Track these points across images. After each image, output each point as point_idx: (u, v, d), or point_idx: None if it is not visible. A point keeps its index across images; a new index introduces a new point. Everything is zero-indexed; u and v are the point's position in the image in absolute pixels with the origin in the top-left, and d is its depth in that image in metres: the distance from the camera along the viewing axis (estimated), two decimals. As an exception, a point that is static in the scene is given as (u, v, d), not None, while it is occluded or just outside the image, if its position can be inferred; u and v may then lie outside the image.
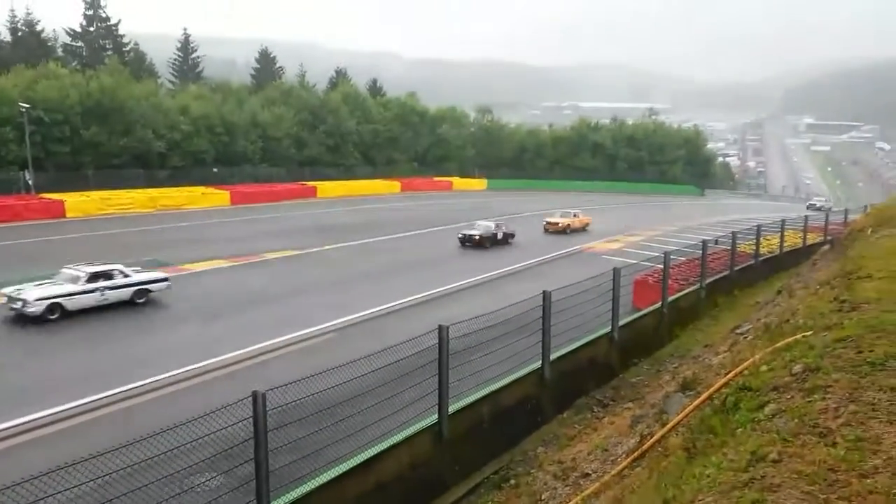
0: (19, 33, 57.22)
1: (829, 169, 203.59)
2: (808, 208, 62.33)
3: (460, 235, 31.88)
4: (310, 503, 8.05)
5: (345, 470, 8.49)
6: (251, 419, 7.22)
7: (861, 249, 12.52)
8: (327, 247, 30.27)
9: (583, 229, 38.13)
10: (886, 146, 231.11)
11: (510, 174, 78.46)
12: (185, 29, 72.58)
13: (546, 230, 37.34)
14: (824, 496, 3.98)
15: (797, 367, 6.00)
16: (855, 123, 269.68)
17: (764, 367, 6.54)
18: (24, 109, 40.95)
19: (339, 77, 77.88)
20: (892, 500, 3.83)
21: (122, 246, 29.42)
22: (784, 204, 76.87)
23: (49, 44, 59.25)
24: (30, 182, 42.00)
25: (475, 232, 31.53)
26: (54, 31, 61.29)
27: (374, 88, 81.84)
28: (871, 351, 5.89)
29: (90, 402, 12.25)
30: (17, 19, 57.08)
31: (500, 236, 32.29)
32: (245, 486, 7.47)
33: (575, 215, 38.59)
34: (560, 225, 37.32)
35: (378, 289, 22.39)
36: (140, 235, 33.03)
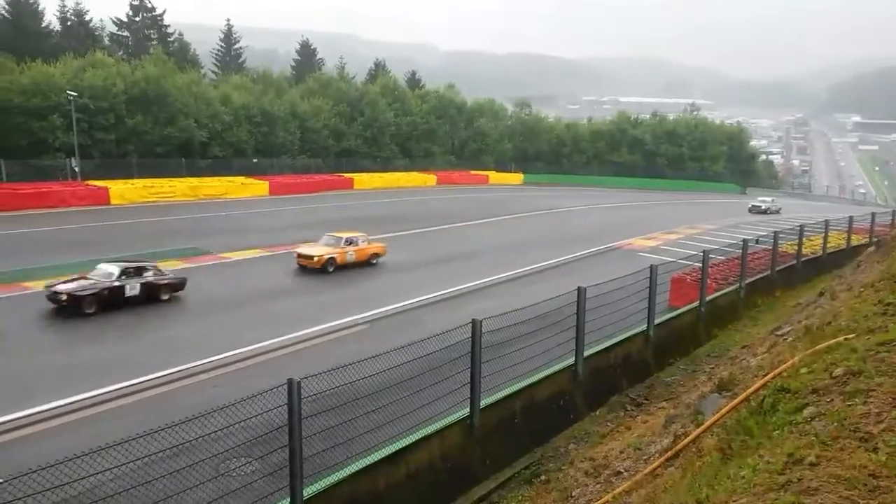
0: (68, 23, 58.69)
1: (877, 169, 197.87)
2: (750, 211, 51.59)
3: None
4: (342, 491, 8.16)
5: (377, 459, 8.59)
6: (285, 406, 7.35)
7: (909, 252, 12.16)
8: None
9: (367, 262, 24.91)
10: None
11: (547, 168, 77.94)
12: (228, 20, 73.80)
13: (299, 264, 23.93)
14: (864, 502, 3.90)
15: (838, 370, 5.87)
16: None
17: (804, 370, 6.41)
18: (71, 97, 42.04)
19: (378, 69, 78.16)
20: (934, 508, 3.73)
21: (163, 233, 30.09)
22: (828, 204, 74.94)
23: (96, 33, 60.69)
24: (76, 169, 43.14)
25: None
26: (101, 20, 62.78)
27: (413, 80, 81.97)
28: (916, 356, 5.73)
29: (132, 383, 12.62)
30: (66, 9, 58.63)
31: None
32: (279, 472, 7.61)
33: (350, 242, 24.48)
34: (316, 259, 23.36)
35: (409, 280, 22.47)
36: (181, 223, 33.70)
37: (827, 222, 25.73)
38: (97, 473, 5.87)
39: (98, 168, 44.46)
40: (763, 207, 52.00)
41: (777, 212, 51.33)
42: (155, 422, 7.05)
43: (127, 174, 45.14)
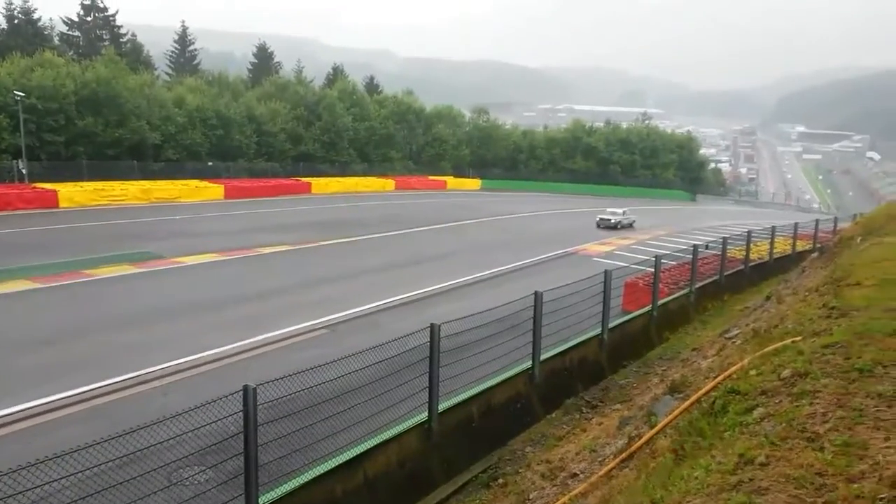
0: (16, 21, 56.76)
1: (820, 177, 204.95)
2: (598, 225, 42.40)
3: None
4: (298, 498, 8.07)
5: (334, 466, 8.52)
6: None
7: (850, 257, 12.63)
8: (321, 242, 30.25)
9: None
10: (877, 156, 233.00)
11: (504, 175, 78.61)
12: (182, 21, 72.43)
13: None
14: (811, 500, 4.03)
15: (786, 372, 6.07)
16: (846, 133, 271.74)
17: (753, 372, 6.60)
18: (18, 98, 40.67)
19: (337, 73, 77.72)
20: (877, 504, 3.88)
21: (114, 237, 29.32)
22: (773, 211, 77.35)
23: (45, 33, 58.80)
24: (23, 171, 41.74)
25: None
26: (51, 20, 60.91)
27: (371, 85, 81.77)
28: (859, 357, 5.95)
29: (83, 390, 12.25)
30: (13, 7, 56.65)
31: None
32: (234, 480, 7.48)
33: None
34: None
35: (365, 285, 22.37)
36: (133, 227, 32.88)
37: (773, 229, 26.55)
38: (44, 484, 5.68)
39: (46, 170, 43.08)
40: (613, 221, 42.66)
41: (631, 224, 43.89)
42: (106, 430, 6.86)
43: (77, 177, 43.86)
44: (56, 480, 5.78)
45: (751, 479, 4.40)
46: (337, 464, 8.54)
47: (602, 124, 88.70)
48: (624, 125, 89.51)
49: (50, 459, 5.68)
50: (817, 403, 5.25)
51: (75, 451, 5.85)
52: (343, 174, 63.84)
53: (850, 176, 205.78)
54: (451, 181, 72.24)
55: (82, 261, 23.37)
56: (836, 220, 33.48)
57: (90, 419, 11.18)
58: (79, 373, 13.03)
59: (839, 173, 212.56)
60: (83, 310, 18.12)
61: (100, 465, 6.11)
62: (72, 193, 39.59)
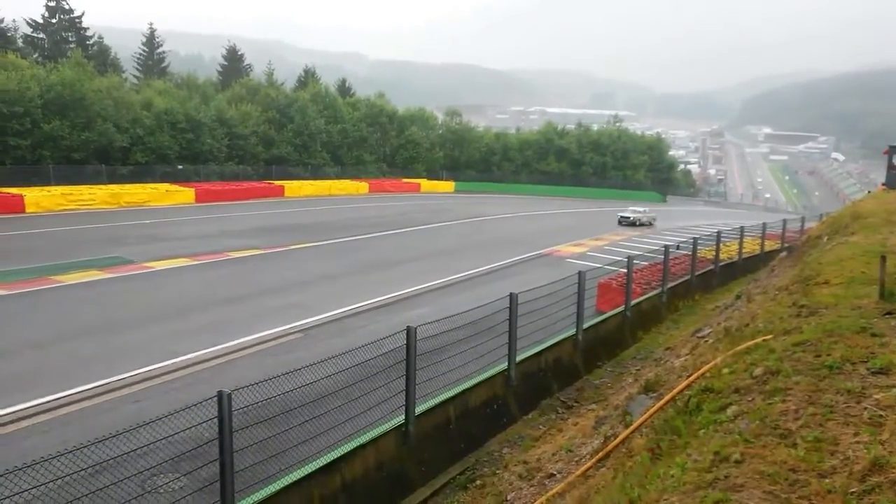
0: (-24, 22, 55.51)
1: (787, 178, 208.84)
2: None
3: None
4: (275, 504, 8.00)
5: (310, 471, 8.46)
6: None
7: (818, 256, 12.89)
8: (294, 246, 30.02)
9: None
10: (841, 157, 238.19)
11: (478, 176, 78.85)
12: (150, 24, 71.34)
13: None
14: (785, 496, 4.10)
15: (758, 370, 6.17)
16: (811, 134, 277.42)
17: (725, 370, 6.71)
18: (-21, 101, 39.75)
19: (308, 76, 77.24)
20: (848, 499, 3.96)
21: (83, 242, 28.79)
22: (742, 211, 78.75)
23: (9, 34, 57.44)
24: (-14, 176, 40.77)
25: None
26: (14, 21, 59.53)
27: (343, 88, 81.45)
28: (828, 354, 6.08)
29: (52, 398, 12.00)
30: (-26, 8, 55.35)
31: None
32: (209, 486, 7.39)
33: None
34: None
35: (337, 289, 22.25)
36: (102, 232, 32.30)
37: (742, 229, 27.02)
38: (13, 496, 5.55)
39: (11, 175, 42.06)
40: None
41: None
42: (74, 441, 6.73)
43: (43, 181, 42.91)
44: (24, 492, 5.66)
45: (726, 477, 4.47)
46: (314, 469, 8.49)
47: (573, 126, 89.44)
48: (595, 127, 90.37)
49: (18, 470, 5.56)
50: (789, 400, 5.35)
51: (44, 461, 5.73)
52: (316, 177, 63.41)
53: (815, 176, 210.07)
54: (424, 183, 72.22)
55: (50, 266, 22.92)
56: (803, 220, 34.16)
57: (58, 428, 10.95)
58: (45, 381, 12.77)
59: (805, 174, 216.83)
60: (51, 316, 17.76)
61: (70, 474, 5.99)
62: (38, 198, 38.77)
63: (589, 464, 7.71)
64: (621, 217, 46.83)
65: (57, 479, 5.90)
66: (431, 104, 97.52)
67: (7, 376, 13.10)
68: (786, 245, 25.77)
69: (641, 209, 48.54)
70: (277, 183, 56.78)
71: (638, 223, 45.75)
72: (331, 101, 69.75)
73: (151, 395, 12.54)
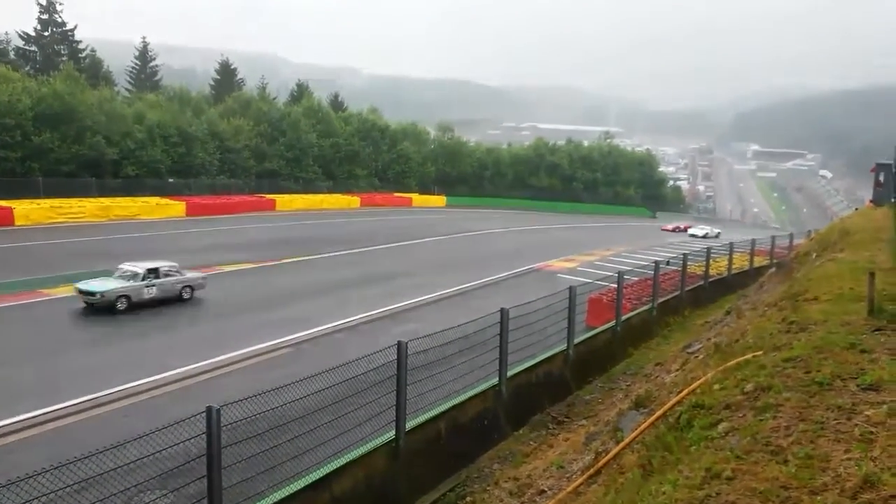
0: (-32, 35, 55.40)
1: (775, 195, 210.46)
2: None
3: None
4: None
5: (299, 487, 8.38)
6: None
7: (807, 273, 12.97)
8: (284, 260, 29.94)
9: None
10: (829, 174, 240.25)
11: (470, 191, 79.06)
12: (143, 37, 71.43)
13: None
14: (776, 512, 4.10)
15: (749, 386, 6.18)
16: (799, 151, 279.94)
17: (716, 386, 6.71)
18: (-30, 113, 39.58)
19: (301, 90, 77.40)
20: (839, 515, 3.96)
21: (73, 256, 28.59)
22: (732, 229, 79.14)
23: (1, 47, 57.43)
24: (-25, 189, 40.50)
25: None
26: (6, 34, 59.40)
27: (336, 102, 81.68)
28: (818, 371, 6.09)
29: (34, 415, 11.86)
30: (-35, 21, 55.30)
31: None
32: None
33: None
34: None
35: (329, 303, 22.18)
36: (92, 245, 32.14)
37: (731, 245, 27.15)
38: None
39: (1, 187, 41.85)
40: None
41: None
42: (60, 457, 6.64)
43: (33, 194, 42.68)
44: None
45: (718, 494, 4.46)
46: (303, 485, 8.40)
47: (564, 142, 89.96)
48: (586, 143, 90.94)
49: (2, 487, 5.48)
50: (780, 417, 5.35)
51: (29, 478, 5.65)
52: (308, 191, 63.39)
53: (803, 193, 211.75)
54: (416, 198, 72.30)
55: (39, 280, 22.74)
56: (791, 237, 34.38)
57: (44, 444, 10.82)
58: (33, 396, 12.62)
59: (793, 190, 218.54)
60: (38, 330, 17.60)
61: (55, 491, 5.91)
62: (28, 211, 38.56)
63: (580, 480, 7.67)
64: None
65: (42, 496, 5.82)
66: (424, 119, 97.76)
67: (-8, 391, 12.95)
68: (775, 261, 25.91)
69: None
70: (269, 197, 56.71)
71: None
72: (323, 116, 69.90)
73: (140, 409, 12.42)
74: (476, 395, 11.85)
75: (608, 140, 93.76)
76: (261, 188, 59.55)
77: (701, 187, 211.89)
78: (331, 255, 32.59)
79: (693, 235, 57.46)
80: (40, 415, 11.93)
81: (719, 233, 59.83)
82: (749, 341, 8.57)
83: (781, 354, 6.86)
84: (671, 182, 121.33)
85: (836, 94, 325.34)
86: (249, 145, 60.85)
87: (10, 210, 37.79)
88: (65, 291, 21.25)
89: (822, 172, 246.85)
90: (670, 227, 60.19)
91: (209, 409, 7.09)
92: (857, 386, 5.68)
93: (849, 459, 4.52)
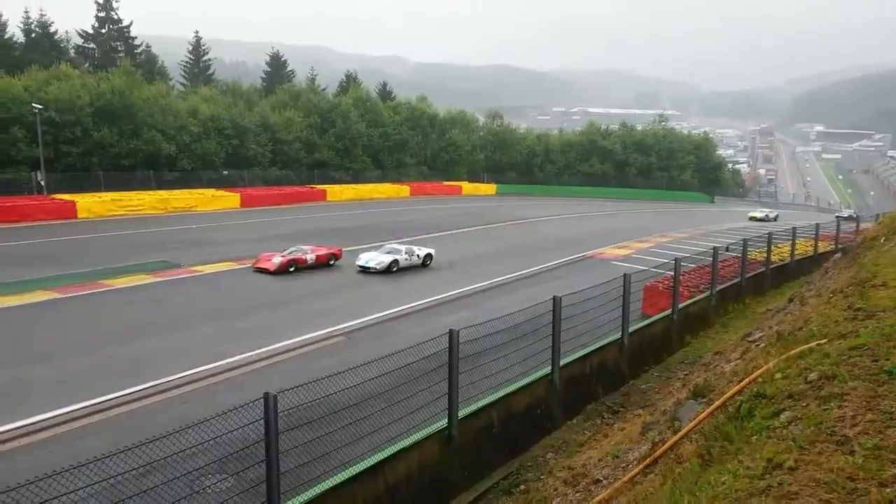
0: (33, 35, 57.56)
1: (840, 178, 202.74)
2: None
3: None
4: (320, 505, 8.06)
5: (355, 473, 8.50)
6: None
7: (874, 258, 12.44)
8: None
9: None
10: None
11: (520, 179, 78.50)
12: (196, 32, 73.05)
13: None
14: (843, 505, 3.94)
15: (812, 375, 5.95)
16: (866, 132, 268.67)
17: (778, 375, 6.49)
18: (35, 110, 41.23)
19: (350, 81, 78.05)
20: (910, 509, 3.79)
21: (132, 247, 29.58)
22: (794, 212, 76.59)
23: (61, 45, 59.56)
24: (41, 182, 42.28)
25: None
26: (66, 32, 61.68)
27: (384, 92, 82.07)
28: (887, 359, 5.83)
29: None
30: (30, 21, 57.46)
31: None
32: (256, 487, 7.48)
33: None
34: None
35: (380, 292, 22.38)
36: (151, 236, 33.18)
37: (794, 230, 26.27)
38: (68, 493, 5.70)
39: (64, 181, 43.60)
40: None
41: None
42: (125, 441, 6.89)
43: (94, 187, 44.36)
44: (79, 489, 5.80)
45: (780, 484, 4.32)
46: (358, 471, 8.52)
47: (617, 126, 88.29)
48: (639, 127, 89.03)
49: (73, 469, 5.70)
50: (846, 406, 5.14)
51: (96, 461, 5.86)
52: (357, 181, 64.08)
53: (870, 175, 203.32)
54: (466, 186, 72.24)
55: (100, 271, 23.61)
56: (857, 220, 33.04)
57: (109, 429, 11.24)
58: (97, 382, 13.12)
59: (859, 173, 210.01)
60: (101, 320, 18.28)
61: (121, 474, 6.13)
62: (90, 204, 40.04)
63: (636, 470, 7.56)
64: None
65: (108, 479, 6.04)
66: (472, 106, 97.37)
67: (57, 378, 13.51)
68: (840, 246, 24.96)
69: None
70: (320, 187, 57.54)
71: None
72: (372, 105, 70.37)
73: (199, 396, 12.79)
74: (528, 385, 11.81)
75: (662, 123, 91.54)
76: (311, 179, 60.48)
77: (762, 171, 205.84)
78: (382, 243, 32.85)
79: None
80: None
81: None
82: (813, 329, 8.27)
83: (847, 342, 6.59)
84: (730, 166, 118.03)
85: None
86: (300, 137, 61.77)
87: (73, 203, 39.32)
88: (126, 282, 22.03)
89: (891, 153, 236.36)
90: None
91: (266, 396, 7.21)
92: (930, 375, 5.41)
93: (920, 451, 4.32)
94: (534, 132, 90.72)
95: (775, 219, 58.14)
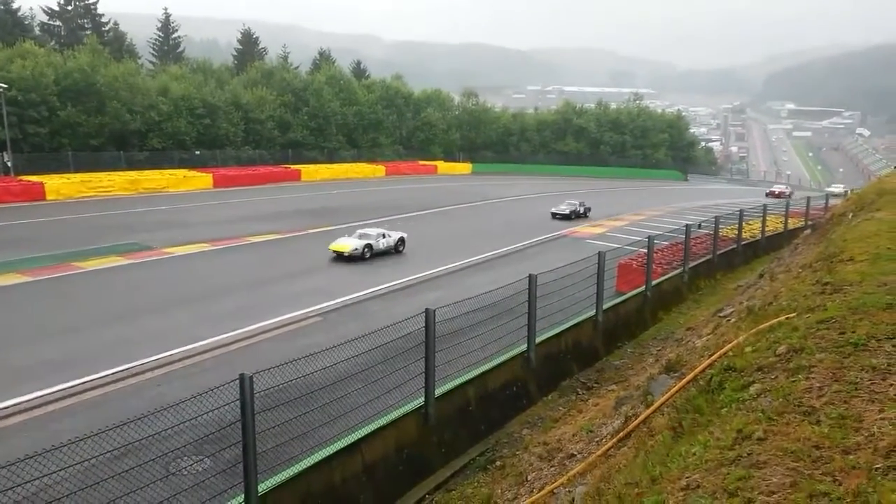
0: (-6, 12, 55.98)
1: (811, 154, 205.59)
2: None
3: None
4: (298, 485, 8.08)
5: (332, 452, 8.53)
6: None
7: (843, 233, 12.67)
8: (312, 230, 30.13)
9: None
10: (866, 132, 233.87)
11: (495, 158, 78.47)
12: (165, 9, 71.38)
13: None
14: (809, 472, 4.05)
15: (781, 348, 6.08)
16: (836, 110, 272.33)
17: (748, 349, 6.62)
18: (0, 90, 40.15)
19: (323, 59, 77.05)
20: (873, 475, 3.90)
21: (102, 228, 29.14)
22: (766, 189, 77.53)
23: (25, 22, 57.94)
24: (8, 164, 41.32)
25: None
26: (31, 10, 60.02)
27: (358, 70, 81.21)
28: (853, 332, 5.97)
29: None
30: (-8, -2, 55.84)
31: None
32: (233, 468, 7.48)
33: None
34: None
35: (356, 273, 22.33)
36: (121, 218, 32.66)
37: (765, 207, 26.63)
38: (42, 477, 5.65)
39: (32, 162, 42.65)
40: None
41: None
42: (99, 424, 6.83)
43: (62, 168, 43.47)
44: (52, 473, 5.75)
45: (749, 454, 4.43)
46: (335, 450, 8.55)
47: (592, 105, 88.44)
48: (613, 105, 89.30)
49: (46, 452, 5.65)
50: (813, 378, 5.27)
51: (69, 444, 5.81)
52: (332, 161, 63.57)
53: (840, 152, 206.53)
54: (441, 166, 72.03)
55: (71, 253, 23.24)
56: (827, 197, 33.60)
57: (84, 411, 11.15)
58: (70, 366, 12.98)
59: (829, 150, 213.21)
60: (72, 302, 18.02)
61: (95, 457, 6.08)
62: (58, 185, 39.27)
63: (610, 444, 7.68)
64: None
65: (82, 462, 5.99)
66: (448, 85, 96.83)
67: (30, 363, 13.33)
68: (810, 222, 25.39)
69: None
70: (294, 167, 57.01)
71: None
72: (346, 84, 69.61)
73: (174, 378, 12.71)
74: (504, 362, 11.89)
75: (637, 102, 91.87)
76: (285, 159, 59.88)
77: (734, 148, 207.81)
78: (357, 223, 32.68)
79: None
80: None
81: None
82: (782, 304, 8.43)
83: (815, 316, 6.73)
84: (703, 144, 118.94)
85: (871, 51, 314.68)
86: (273, 115, 60.98)
87: (41, 185, 38.52)
88: (97, 264, 21.71)
89: (860, 131, 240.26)
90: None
91: (242, 377, 7.18)
92: (893, 346, 5.55)
93: (883, 419, 4.44)
94: (509, 111, 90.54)
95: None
